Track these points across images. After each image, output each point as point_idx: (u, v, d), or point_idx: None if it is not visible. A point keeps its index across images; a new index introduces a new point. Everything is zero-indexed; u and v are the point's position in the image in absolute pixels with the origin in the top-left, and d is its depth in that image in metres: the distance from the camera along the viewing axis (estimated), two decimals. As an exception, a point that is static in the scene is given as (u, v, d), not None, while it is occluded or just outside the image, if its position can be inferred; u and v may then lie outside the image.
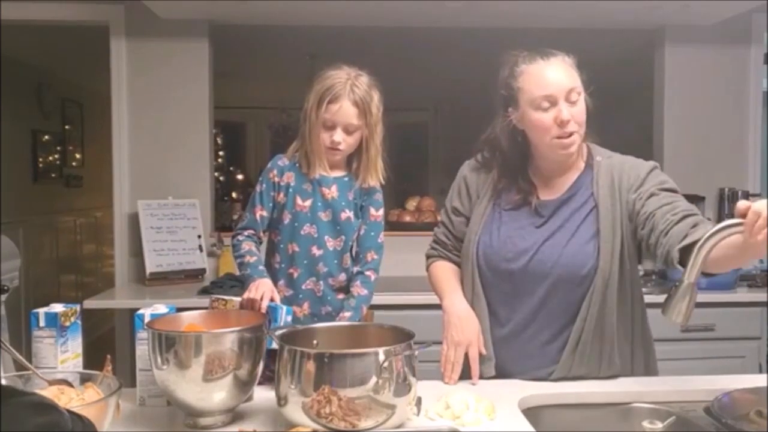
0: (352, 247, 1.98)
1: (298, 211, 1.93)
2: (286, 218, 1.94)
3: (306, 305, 1.94)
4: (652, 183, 1.61)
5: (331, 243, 1.93)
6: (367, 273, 1.95)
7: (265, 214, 1.96)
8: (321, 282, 1.94)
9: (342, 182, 1.95)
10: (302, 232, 1.93)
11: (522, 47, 1.67)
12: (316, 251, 1.93)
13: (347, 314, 1.89)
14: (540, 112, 1.59)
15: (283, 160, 1.98)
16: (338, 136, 1.86)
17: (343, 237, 1.94)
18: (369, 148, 1.92)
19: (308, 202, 1.93)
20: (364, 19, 3.62)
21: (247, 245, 1.94)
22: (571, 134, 1.59)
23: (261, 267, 1.90)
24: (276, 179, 1.96)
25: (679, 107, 3.75)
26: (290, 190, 1.94)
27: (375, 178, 1.95)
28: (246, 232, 1.97)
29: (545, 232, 1.66)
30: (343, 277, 1.95)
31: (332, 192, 1.93)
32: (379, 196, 1.99)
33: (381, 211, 1.99)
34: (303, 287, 1.94)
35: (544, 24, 3.53)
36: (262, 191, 1.96)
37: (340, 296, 1.96)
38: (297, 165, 1.96)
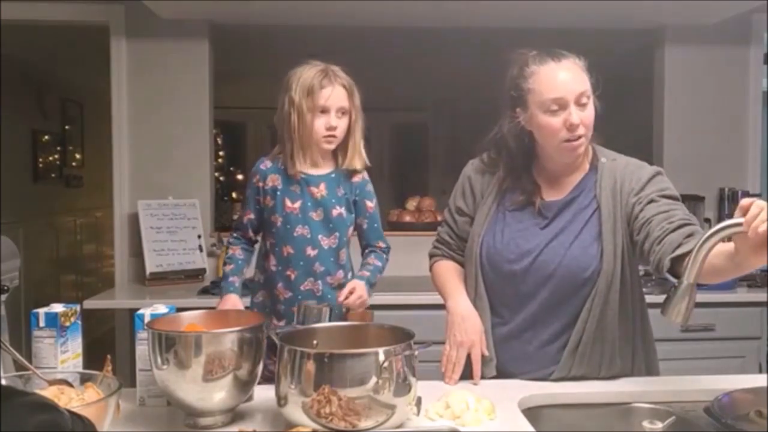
0: (349, 242, 1.99)
1: (289, 213, 1.93)
2: (278, 221, 1.95)
3: None
4: (653, 189, 1.60)
5: (325, 242, 1.93)
6: (380, 252, 2.01)
7: (252, 217, 2.01)
8: (319, 281, 1.94)
9: (330, 179, 1.95)
10: (295, 234, 1.93)
11: (528, 47, 1.65)
12: (311, 251, 1.93)
13: (366, 273, 1.95)
14: (549, 115, 1.58)
15: (265, 164, 2.00)
16: (334, 120, 1.89)
17: (337, 234, 1.94)
18: (355, 130, 1.94)
19: (298, 204, 1.93)
20: (364, 19, 3.62)
21: (232, 250, 2.03)
22: (579, 138, 1.59)
23: (232, 278, 1.98)
24: (260, 184, 1.98)
25: (679, 107, 3.75)
26: (278, 193, 1.95)
27: (360, 161, 1.97)
28: (236, 234, 2.05)
29: (549, 233, 1.66)
30: (340, 274, 1.96)
31: (321, 190, 1.93)
32: (370, 187, 2.00)
33: (375, 201, 2.02)
34: (302, 288, 1.94)
35: (544, 24, 3.53)
36: (248, 195, 2.01)
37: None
38: (282, 167, 1.96)
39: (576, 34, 3.05)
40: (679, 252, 1.42)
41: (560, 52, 1.61)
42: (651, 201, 1.57)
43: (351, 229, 1.99)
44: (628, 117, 4.03)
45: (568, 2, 3.23)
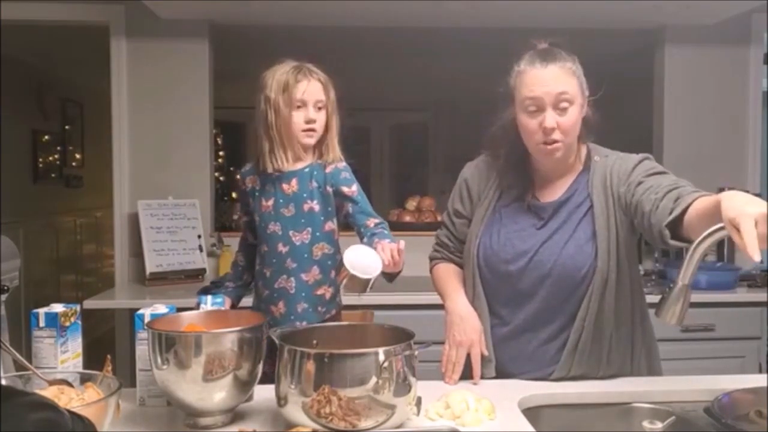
0: (332, 237, 1.94)
1: (263, 211, 1.96)
2: (257, 220, 1.98)
3: (281, 304, 1.94)
4: (639, 172, 1.60)
5: (297, 237, 1.92)
6: (377, 228, 1.86)
7: (245, 218, 2.06)
8: (292, 279, 1.92)
9: (302, 174, 1.93)
10: (268, 231, 1.94)
11: (529, 47, 1.65)
12: (282, 248, 1.93)
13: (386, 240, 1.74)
14: (527, 116, 1.59)
15: (246, 166, 2.04)
16: (312, 113, 1.88)
17: (310, 229, 1.92)
18: (331, 125, 1.94)
19: (270, 201, 1.94)
20: (364, 19, 3.62)
21: (236, 255, 2.13)
22: (555, 142, 1.59)
23: (227, 283, 2.10)
24: (242, 186, 2.03)
25: (679, 107, 3.75)
26: (256, 193, 1.98)
27: (334, 156, 1.94)
28: (241, 236, 2.11)
29: (544, 233, 1.67)
30: (316, 270, 1.93)
31: (292, 186, 1.92)
32: (345, 174, 1.93)
33: (354, 186, 1.92)
34: (276, 286, 1.94)
35: (544, 24, 3.52)
36: (238, 198, 2.06)
37: (319, 292, 1.93)
38: (259, 167, 1.96)
39: (576, 34, 3.05)
40: (671, 217, 1.39)
41: (553, 56, 1.59)
42: (638, 183, 1.57)
43: (330, 223, 1.93)
44: (627, 117, 4.04)
45: (568, 2, 3.23)
